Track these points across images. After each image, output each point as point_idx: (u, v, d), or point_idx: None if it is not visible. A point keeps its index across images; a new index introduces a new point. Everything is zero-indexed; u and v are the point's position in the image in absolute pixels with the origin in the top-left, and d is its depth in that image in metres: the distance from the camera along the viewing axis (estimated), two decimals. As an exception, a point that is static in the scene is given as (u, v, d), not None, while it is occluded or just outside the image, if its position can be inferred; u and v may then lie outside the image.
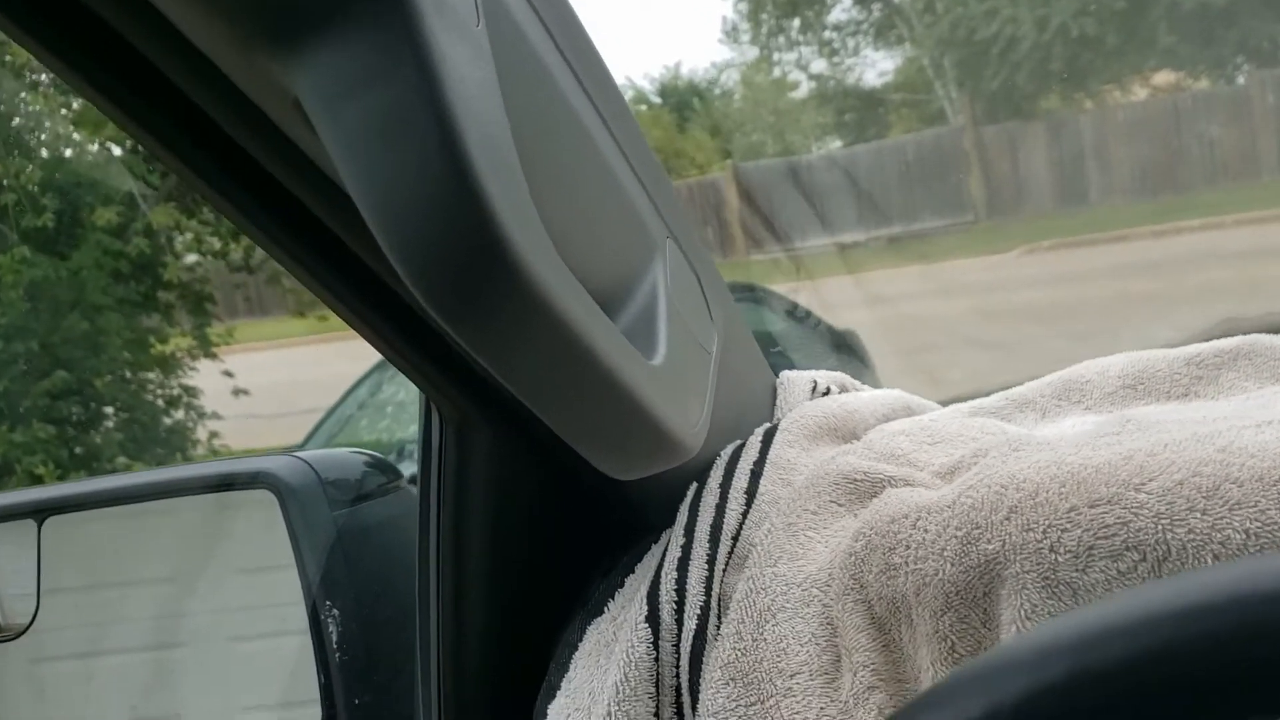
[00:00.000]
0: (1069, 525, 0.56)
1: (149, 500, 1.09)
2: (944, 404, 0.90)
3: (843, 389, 0.90)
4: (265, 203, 0.57)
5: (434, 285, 0.37)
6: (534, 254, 0.37)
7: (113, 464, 7.17)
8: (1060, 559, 0.56)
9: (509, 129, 0.38)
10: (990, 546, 0.58)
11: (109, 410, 7.56)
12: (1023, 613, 0.56)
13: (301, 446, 4.91)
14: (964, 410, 0.82)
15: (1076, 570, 0.55)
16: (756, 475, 0.73)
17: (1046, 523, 0.57)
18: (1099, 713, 0.31)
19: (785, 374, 0.88)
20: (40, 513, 1.09)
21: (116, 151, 7.18)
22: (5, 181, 6.85)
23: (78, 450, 7.10)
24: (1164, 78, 8.95)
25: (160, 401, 7.81)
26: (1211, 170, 7.89)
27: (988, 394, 0.85)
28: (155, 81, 0.44)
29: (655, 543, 0.75)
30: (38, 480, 6.43)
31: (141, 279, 7.37)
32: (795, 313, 4.89)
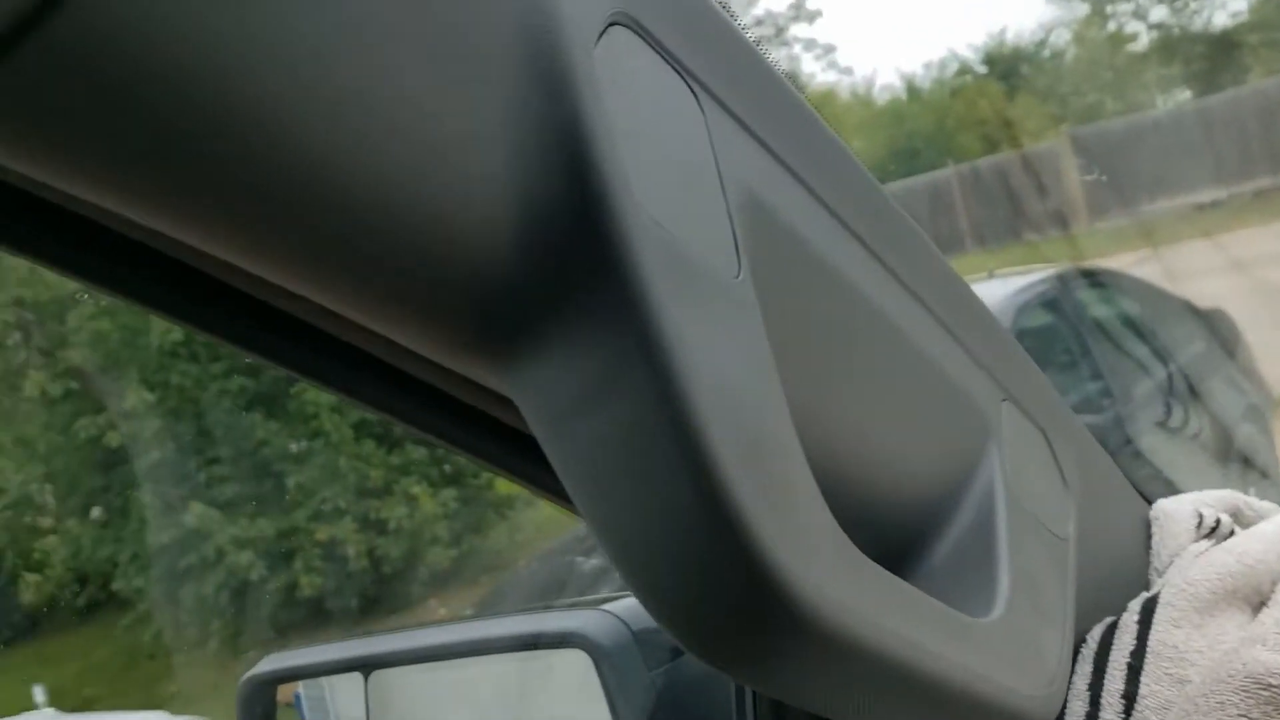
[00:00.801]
0: None
1: (463, 657, 1.08)
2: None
3: (1236, 516, 0.71)
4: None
5: (698, 640, 0.31)
6: (820, 580, 0.31)
7: (477, 479, 7.67)
8: None
9: (781, 404, 0.32)
10: None
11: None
12: None
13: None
14: None
15: None
16: (1136, 671, 0.59)
17: None
18: None
19: (1161, 507, 0.69)
20: (366, 666, 1.11)
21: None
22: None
23: (446, 469, 7.66)
24: None
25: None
26: None
27: None
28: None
29: None
30: (414, 500, 7.00)
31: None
32: (1151, 294, 4.51)
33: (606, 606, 0.95)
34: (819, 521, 0.33)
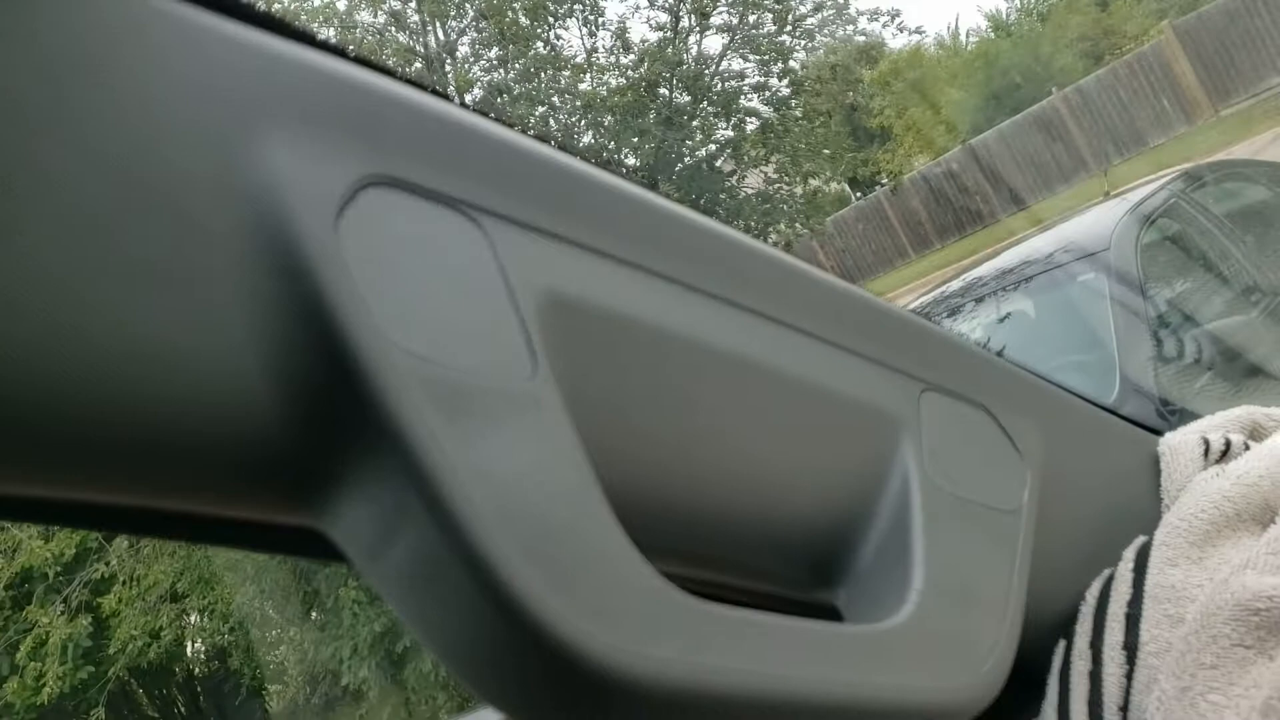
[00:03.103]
0: None
1: None
2: None
3: (1253, 433, 0.66)
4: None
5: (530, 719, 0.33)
6: (639, 645, 0.32)
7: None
8: None
9: (584, 486, 0.34)
10: None
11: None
12: None
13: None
14: None
15: None
16: (1134, 620, 0.56)
17: None
18: None
19: (1165, 441, 0.65)
20: None
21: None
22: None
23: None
24: None
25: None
26: None
27: None
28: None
29: (1035, 718, 0.61)
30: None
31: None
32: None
33: None
34: (630, 586, 0.34)
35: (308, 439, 0.30)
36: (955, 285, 3.87)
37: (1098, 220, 3.53)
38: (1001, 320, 3.33)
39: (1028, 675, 0.55)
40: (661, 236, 0.40)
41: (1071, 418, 0.61)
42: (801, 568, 0.43)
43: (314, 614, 7.98)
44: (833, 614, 0.44)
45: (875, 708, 0.39)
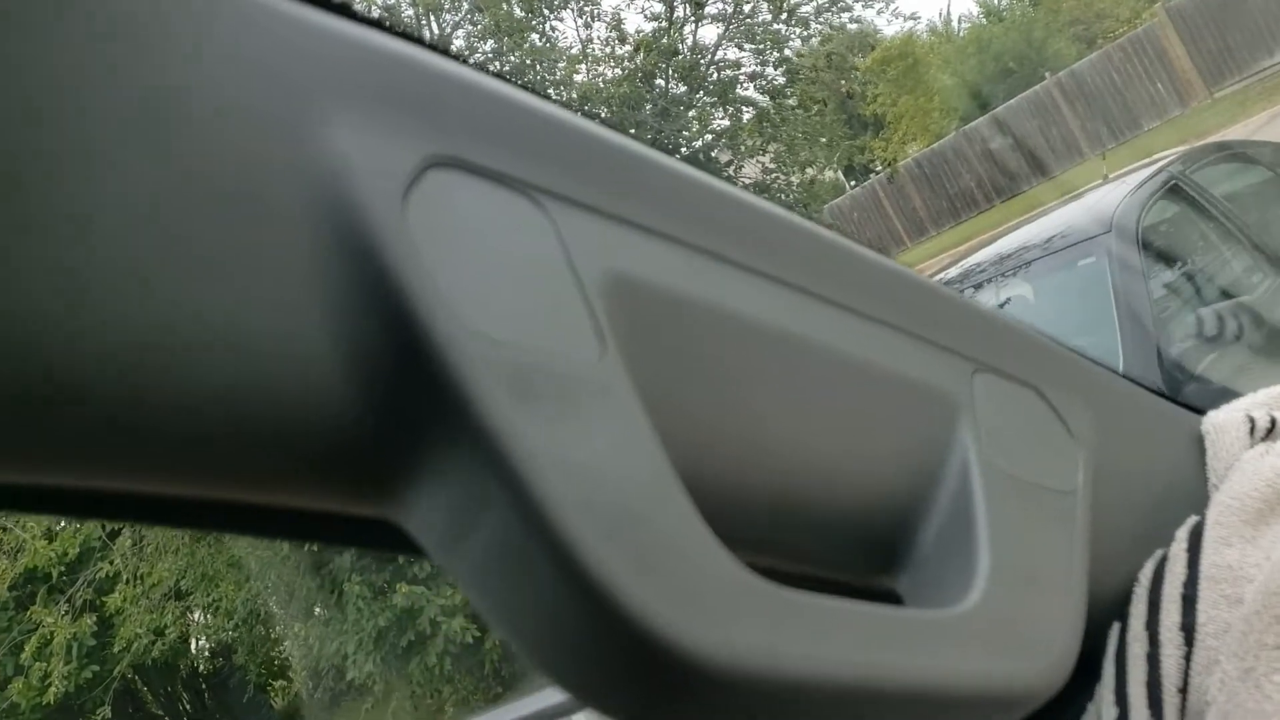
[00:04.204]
0: None
1: None
2: None
3: None
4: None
5: (608, 706, 0.33)
6: (718, 631, 0.32)
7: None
8: None
9: (659, 470, 0.34)
10: None
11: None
12: None
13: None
14: None
15: None
16: (1191, 601, 0.55)
17: None
18: None
19: (1210, 420, 0.65)
20: None
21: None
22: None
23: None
24: None
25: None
26: None
27: None
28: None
29: (1090, 701, 0.61)
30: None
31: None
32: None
33: None
34: (709, 572, 0.34)
35: (381, 425, 0.30)
36: (954, 272, 3.87)
37: (1098, 203, 3.54)
38: (1002, 305, 3.32)
39: (1082, 659, 0.53)
40: (719, 218, 0.40)
41: (1117, 397, 0.60)
42: (863, 553, 0.43)
43: (318, 609, 7.98)
44: (893, 599, 0.44)
45: (952, 694, 0.39)
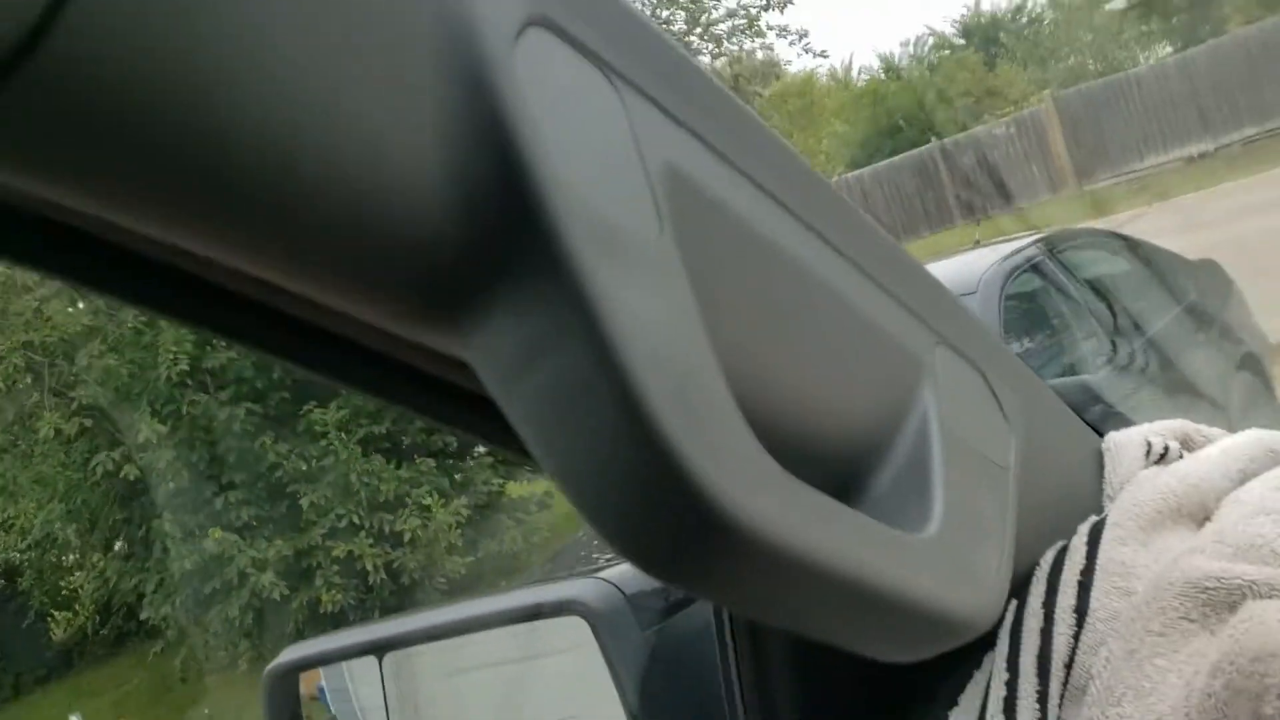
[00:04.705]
0: None
1: (470, 633, 1.13)
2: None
3: (1185, 443, 0.73)
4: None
5: (644, 557, 0.34)
6: (749, 498, 0.35)
7: (488, 485, 7.71)
8: None
9: (705, 347, 0.36)
10: None
11: (479, 437, 8.12)
12: None
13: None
14: None
15: None
16: (1086, 587, 0.62)
17: None
18: None
19: (1112, 439, 0.72)
20: (380, 649, 1.16)
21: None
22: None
23: (457, 478, 7.68)
24: None
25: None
26: None
27: None
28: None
29: (978, 669, 0.65)
30: (427, 510, 7.04)
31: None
32: (1142, 251, 4.53)
33: (601, 574, 1.00)
34: (743, 446, 0.36)
35: (471, 250, 0.32)
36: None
37: (967, 265, 3.66)
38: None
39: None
40: (757, 146, 0.44)
41: (1040, 399, 0.67)
42: (826, 480, 0.45)
43: (121, 543, 7.67)
44: None
45: (915, 606, 0.43)
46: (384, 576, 6.85)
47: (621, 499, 0.34)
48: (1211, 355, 4.15)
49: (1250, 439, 0.71)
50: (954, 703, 0.65)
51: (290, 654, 1.22)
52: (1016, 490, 0.55)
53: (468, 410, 0.48)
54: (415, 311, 0.34)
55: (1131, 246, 4.66)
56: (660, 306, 0.34)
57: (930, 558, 0.45)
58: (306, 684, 1.25)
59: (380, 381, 0.46)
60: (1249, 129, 14.92)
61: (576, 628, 0.96)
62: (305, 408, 7.02)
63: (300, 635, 6.78)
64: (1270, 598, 0.55)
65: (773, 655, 0.71)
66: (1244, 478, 0.66)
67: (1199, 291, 4.51)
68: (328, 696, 1.28)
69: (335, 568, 6.72)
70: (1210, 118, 15.47)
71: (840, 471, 0.47)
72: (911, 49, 25.20)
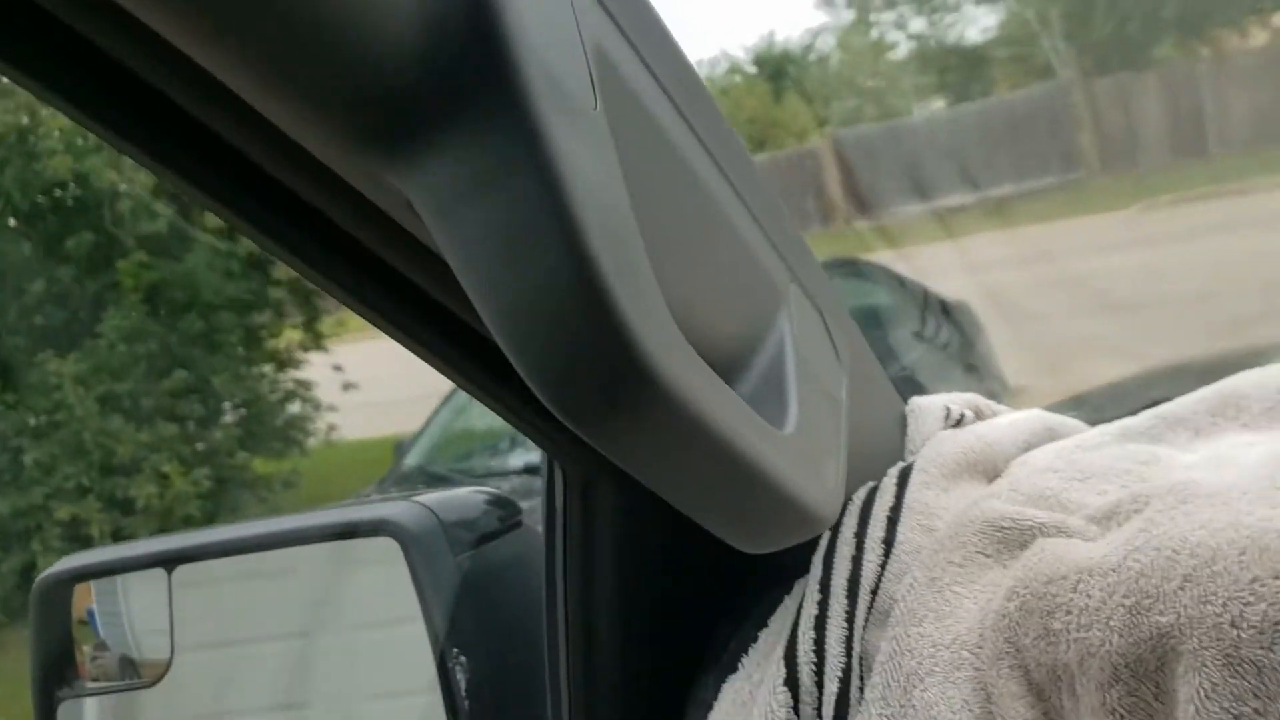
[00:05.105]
0: (1252, 599, 0.51)
1: (272, 549, 1.08)
2: (1085, 417, 0.83)
3: (978, 413, 0.83)
4: (366, 268, 0.55)
5: (565, 399, 0.35)
6: (668, 356, 0.36)
7: (233, 459, 7.40)
8: (1243, 635, 0.51)
9: (633, 217, 0.37)
10: (1163, 619, 0.54)
11: (227, 406, 7.80)
12: (1202, 691, 0.52)
13: (417, 438, 5.00)
14: (1112, 433, 0.74)
15: (1262, 647, 0.50)
16: (894, 522, 0.68)
17: (1226, 595, 0.52)
18: None
19: (915, 402, 0.82)
20: (169, 562, 1.08)
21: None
22: (121, 188, 7.07)
23: (200, 446, 7.34)
24: (1286, 18, 8.55)
25: (275, 396, 8.04)
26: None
27: (1134, 411, 0.78)
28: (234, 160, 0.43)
29: (788, 594, 0.72)
30: (165, 479, 6.68)
31: (252, 277, 7.56)
32: (903, 286, 4.80)
33: (416, 498, 0.99)
34: (662, 307, 0.38)
35: (429, 78, 0.33)
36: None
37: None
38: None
39: (791, 554, 0.65)
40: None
41: (862, 354, 0.73)
42: None
43: None
44: None
45: (781, 492, 0.46)
46: (110, 544, 6.43)
47: (553, 343, 0.34)
48: (962, 389, 4.45)
49: (1033, 416, 0.80)
50: (764, 624, 0.71)
51: (67, 563, 1.13)
52: (847, 425, 0.59)
53: (372, 285, 0.53)
54: (366, 135, 0.34)
55: (899, 280, 4.92)
56: (599, 167, 0.35)
57: (790, 451, 0.48)
58: (80, 604, 1.14)
59: (304, 245, 0.48)
60: (1004, 187, 16.06)
61: (387, 549, 0.94)
62: (40, 356, 6.54)
63: (8, 601, 6.32)
64: (1057, 537, 0.62)
65: (599, 587, 0.75)
66: (1028, 448, 0.75)
67: (954, 329, 4.80)
68: (97, 620, 1.18)
69: (57, 530, 6.28)
70: (971, 172, 16.57)
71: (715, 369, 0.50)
72: (705, 70, 25.95)
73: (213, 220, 6.78)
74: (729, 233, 0.51)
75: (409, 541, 0.94)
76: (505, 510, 1.04)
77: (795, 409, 0.51)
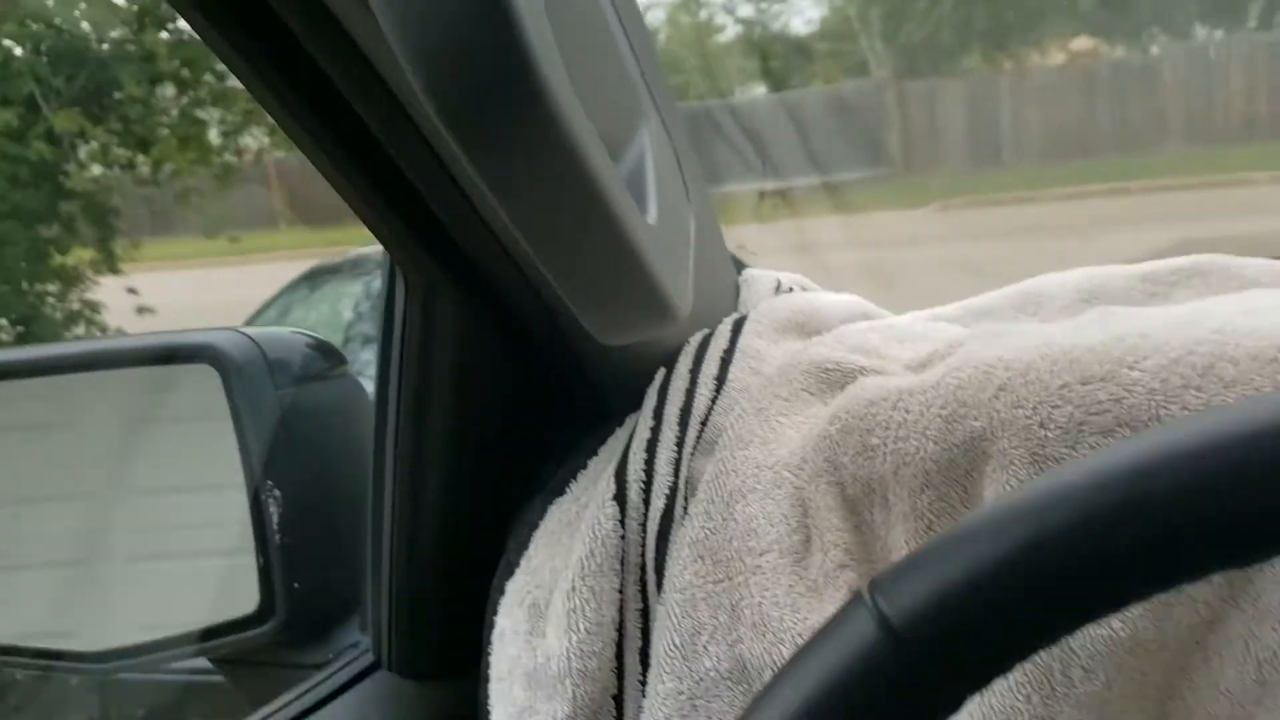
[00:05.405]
0: (1060, 402, 0.55)
1: (85, 370, 1.02)
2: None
3: (804, 289, 0.89)
4: (247, 25, 0.56)
5: (451, 100, 0.35)
6: (555, 76, 0.36)
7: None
8: (1050, 434, 0.55)
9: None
10: (976, 424, 0.57)
11: (3, 323, 7.30)
12: (1009, 487, 0.56)
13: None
14: (924, 316, 0.80)
15: (1066, 445, 0.55)
16: (726, 363, 0.72)
17: (1037, 399, 0.56)
18: (1067, 570, 0.31)
19: (749, 271, 0.87)
20: None
21: (17, 51, 6.87)
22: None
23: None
24: (1081, 44, 9.10)
25: (59, 315, 7.56)
26: (1121, 138, 8.08)
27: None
28: None
29: (620, 427, 0.75)
30: None
31: (41, 186, 7.07)
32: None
33: (241, 330, 0.95)
34: (554, 49, 0.38)
35: None
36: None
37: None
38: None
39: (620, 394, 0.71)
40: None
41: (707, 208, 0.78)
42: None
43: None
44: None
45: (648, 273, 0.47)
46: None
47: (447, 39, 0.35)
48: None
49: (853, 299, 0.87)
50: (594, 453, 0.75)
51: None
52: (693, 262, 0.59)
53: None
54: None
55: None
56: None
57: (656, 240, 0.49)
58: None
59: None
60: (815, 176, 16.48)
61: (206, 376, 0.91)
62: None
63: None
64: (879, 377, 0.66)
65: (434, 399, 0.75)
66: (848, 320, 0.81)
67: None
68: None
69: None
70: (785, 159, 16.93)
71: None
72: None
73: (1, 119, 6.32)
74: (605, 34, 0.52)
75: (229, 369, 0.91)
76: (330, 358, 1.02)
77: (655, 206, 0.52)
